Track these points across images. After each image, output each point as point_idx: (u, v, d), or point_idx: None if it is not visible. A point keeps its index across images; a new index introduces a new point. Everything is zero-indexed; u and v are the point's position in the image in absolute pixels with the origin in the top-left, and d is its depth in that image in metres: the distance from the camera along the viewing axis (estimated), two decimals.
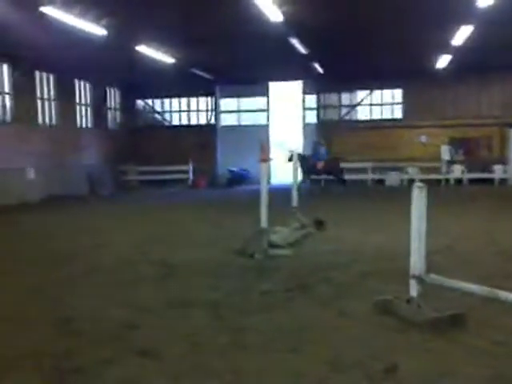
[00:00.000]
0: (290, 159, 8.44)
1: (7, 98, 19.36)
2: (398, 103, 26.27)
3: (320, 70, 23.47)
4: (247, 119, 28.06)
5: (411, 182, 17.33)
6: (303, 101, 27.27)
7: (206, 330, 5.26)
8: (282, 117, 28.98)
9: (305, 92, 27.12)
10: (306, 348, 4.72)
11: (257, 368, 4.33)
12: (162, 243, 10.23)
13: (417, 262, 5.23)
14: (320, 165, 21.46)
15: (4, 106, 19.28)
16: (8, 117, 19.47)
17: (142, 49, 17.72)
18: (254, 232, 8.73)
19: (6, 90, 19.27)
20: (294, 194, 10.83)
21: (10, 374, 4.36)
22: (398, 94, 26.24)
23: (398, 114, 26.30)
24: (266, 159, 8.82)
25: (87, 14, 13.29)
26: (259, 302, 6.18)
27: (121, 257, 9.01)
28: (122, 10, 13.74)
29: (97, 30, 14.43)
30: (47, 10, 12.17)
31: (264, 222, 8.63)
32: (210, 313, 5.79)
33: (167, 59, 19.65)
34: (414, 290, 5.25)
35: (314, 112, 27.23)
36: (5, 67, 19.15)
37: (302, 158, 20.09)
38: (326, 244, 9.51)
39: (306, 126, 27.25)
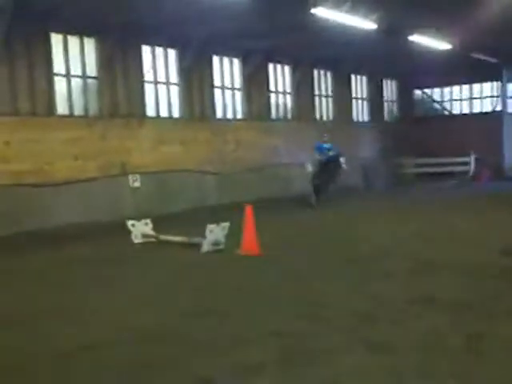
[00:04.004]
0: None
1: (288, 98, 20.92)
2: None
3: None
4: None
5: None
6: None
7: (443, 331, 4.98)
8: None
9: None
10: None
11: (489, 379, 3.94)
12: (424, 239, 9.96)
13: None
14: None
15: (285, 105, 20.89)
16: (289, 115, 21.05)
17: (416, 38, 17.28)
18: None
19: (288, 89, 20.84)
20: None
21: (238, 350, 4.79)
22: None
23: None
24: None
25: (356, 11, 13.55)
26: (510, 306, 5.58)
27: (379, 249, 9.10)
28: (391, 3, 13.66)
29: (367, 25, 14.63)
30: (318, 10, 12.80)
31: None
32: (452, 314, 5.47)
33: (443, 46, 18.77)
34: None
35: None
36: (286, 68, 20.74)
37: None
38: None
39: None
